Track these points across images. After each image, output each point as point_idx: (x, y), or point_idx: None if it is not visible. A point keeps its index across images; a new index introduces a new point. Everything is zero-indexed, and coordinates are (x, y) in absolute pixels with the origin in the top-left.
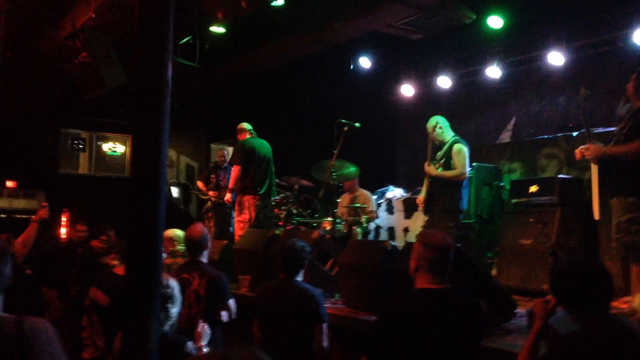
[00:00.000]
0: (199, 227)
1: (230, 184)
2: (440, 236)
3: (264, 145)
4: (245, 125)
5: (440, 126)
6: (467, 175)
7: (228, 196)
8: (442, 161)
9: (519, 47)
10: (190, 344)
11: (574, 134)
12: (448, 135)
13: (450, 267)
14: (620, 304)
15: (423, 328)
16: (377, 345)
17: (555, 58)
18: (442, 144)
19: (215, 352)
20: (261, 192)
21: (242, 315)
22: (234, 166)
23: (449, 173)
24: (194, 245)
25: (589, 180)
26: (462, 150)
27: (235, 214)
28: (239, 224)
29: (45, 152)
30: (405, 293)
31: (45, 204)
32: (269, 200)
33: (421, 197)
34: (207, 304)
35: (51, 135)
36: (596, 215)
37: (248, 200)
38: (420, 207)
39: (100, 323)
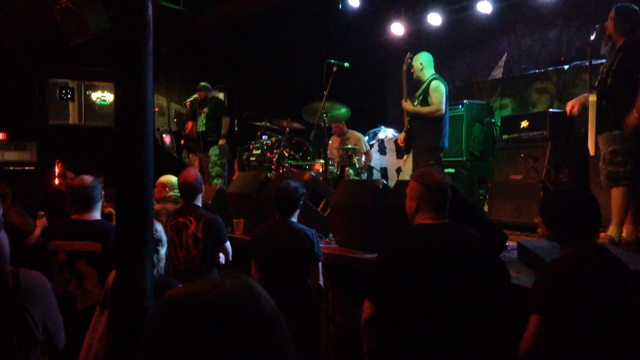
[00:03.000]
0: (193, 172)
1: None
2: (439, 176)
3: None
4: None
5: (421, 62)
6: (443, 112)
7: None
8: (420, 98)
9: None
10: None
11: (566, 67)
12: (428, 73)
13: (448, 204)
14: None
15: (429, 262)
16: (382, 286)
17: None
18: (421, 81)
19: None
20: None
21: (237, 258)
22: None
23: (425, 109)
24: (189, 189)
25: (580, 116)
26: (439, 87)
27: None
28: None
29: (34, 103)
30: (406, 230)
31: (42, 213)
32: None
33: (401, 136)
34: (205, 246)
35: (39, 86)
36: (591, 151)
37: None
38: (402, 146)
39: (95, 271)
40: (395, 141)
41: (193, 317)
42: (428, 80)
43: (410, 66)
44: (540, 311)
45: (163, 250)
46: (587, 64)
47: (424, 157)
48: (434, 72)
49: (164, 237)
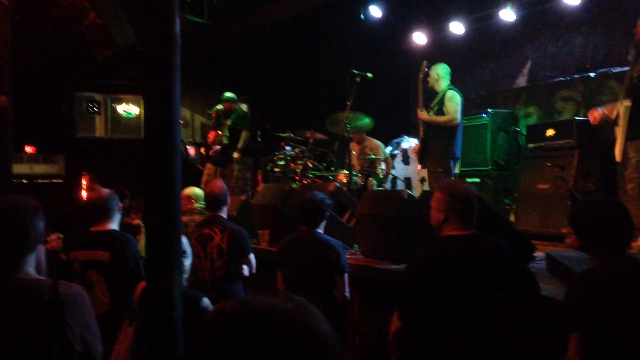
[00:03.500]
0: (219, 183)
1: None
2: (464, 186)
3: None
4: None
5: (437, 73)
6: (459, 121)
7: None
8: (436, 108)
9: None
10: (206, 300)
11: (592, 74)
12: (444, 83)
13: (476, 214)
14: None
15: (458, 273)
16: (409, 297)
17: None
18: (436, 92)
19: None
20: None
21: (263, 270)
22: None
23: (441, 118)
24: (215, 200)
25: (607, 122)
26: (454, 97)
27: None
28: None
29: (62, 117)
30: (434, 241)
31: (60, 235)
32: None
33: (416, 146)
34: (229, 258)
35: (66, 99)
36: (618, 157)
37: None
38: (415, 157)
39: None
40: None
41: (253, 337)
42: (444, 91)
43: (426, 74)
44: (581, 330)
45: (187, 262)
46: (613, 71)
47: (433, 164)
48: (449, 83)
49: (188, 249)
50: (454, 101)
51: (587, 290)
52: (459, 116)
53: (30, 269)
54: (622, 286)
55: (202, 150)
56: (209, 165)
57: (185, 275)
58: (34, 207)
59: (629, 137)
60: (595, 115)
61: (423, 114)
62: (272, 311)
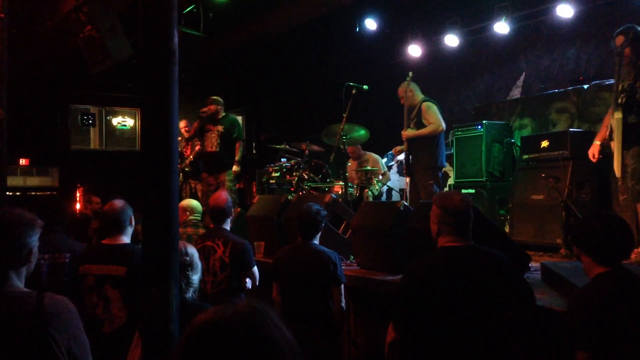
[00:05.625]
0: (224, 195)
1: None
2: (459, 199)
3: None
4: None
5: (410, 89)
6: (444, 127)
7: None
8: (415, 121)
9: (526, 1)
10: None
11: (585, 86)
12: (418, 97)
13: (471, 226)
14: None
15: (452, 284)
16: (404, 309)
17: (564, 10)
18: (413, 106)
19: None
20: None
21: (259, 281)
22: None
23: (425, 130)
24: (219, 213)
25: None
26: (431, 106)
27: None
28: None
29: (56, 129)
30: (428, 253)
31: None
32: None
33: (398, 149)
34: (232, 271)
35: (61, 112)
36: (618, 173)
37: None
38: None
39: (120, 294)
40: None
41: (208, 342)
42: (419, 103)
43: (406, 96)
44: (586, 347)
45: (195, 276)
46: (606, 83)
47: (423, 177)
48: (423, 95)
49: (196, 263)
50: (432, 110)
51: (590, 306)
52: (442, 122)
53: (18, 282)
54: (623, 300)
55: (181, 166)
56: (191, 182)
57: (193, 288)
58: (27, 220)
59: (625, 147)
60: (594, 152)
61: (407, 132)
62: (225, 319)
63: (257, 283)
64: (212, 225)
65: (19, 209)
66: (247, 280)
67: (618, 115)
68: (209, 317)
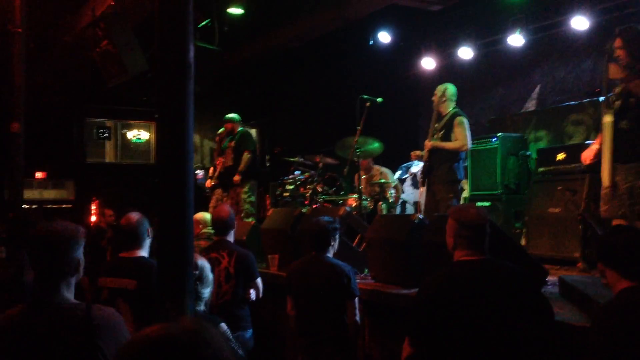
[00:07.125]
0: (226, 207)
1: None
2: (474, 212)
3: None
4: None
5: (444, 95)
6: (469, 147)
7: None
8: (442, 132)
9: (541, 13)
10: (223, 325)
11: (601, 98)
12: (450, 106)
13: (487, 239)
14: None
15: (468, 298)
16: (420, 324)
17: (579, 22)
18: (442, 115)
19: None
20: None
21: (272, 294)
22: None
23: (450, 144)
24: (222, 225)
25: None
26: (463, 122)
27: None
28: None
29: (72, 142)
30: (444, 266)
31: None
32: None
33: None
34: (237, 282)
35: (77, 125)
36: (606, 181)
37: None
38: (420, 181)
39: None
40: None
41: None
42: (450, 115)
43: (439, 101)
44: None
45: (205, 290)
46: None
47: (442, 190)
48: (455, 105)
49: (207, 276)
50: (462, 127)
51: (612, 321)
52: (469, 142)
53: (68, 294)
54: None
55: (209, 183)
56: (217, 191)
57: (204, 302)
58: (73, 232)
59: (620, 159)
60: (589, 155)
61: (432, 143)
62: (170, 336)
63: (261, 294)
64: (216, 238)
65: (61, 220)
66: (252, 291)
67: (609, 118)
68: (154, 332)
